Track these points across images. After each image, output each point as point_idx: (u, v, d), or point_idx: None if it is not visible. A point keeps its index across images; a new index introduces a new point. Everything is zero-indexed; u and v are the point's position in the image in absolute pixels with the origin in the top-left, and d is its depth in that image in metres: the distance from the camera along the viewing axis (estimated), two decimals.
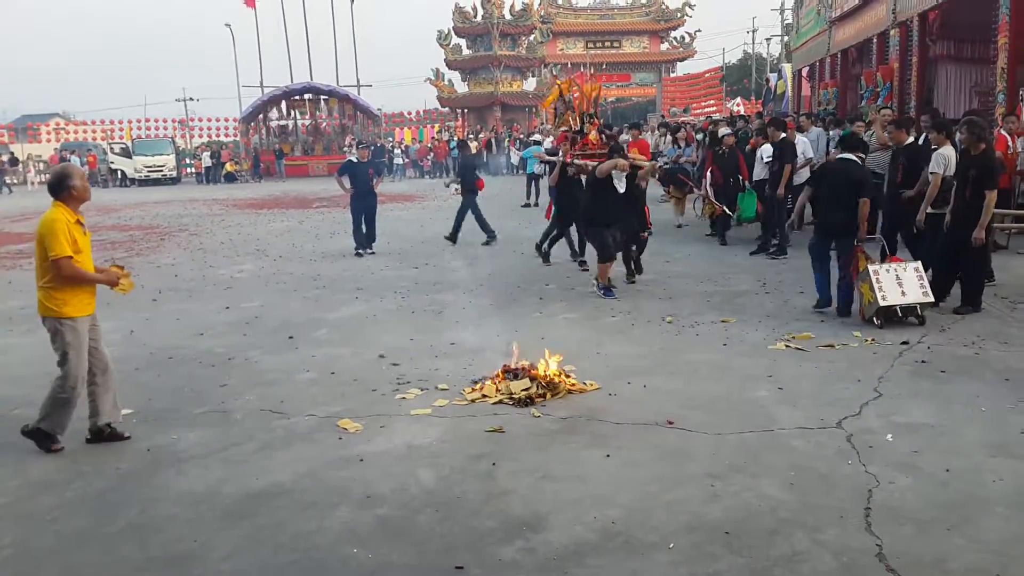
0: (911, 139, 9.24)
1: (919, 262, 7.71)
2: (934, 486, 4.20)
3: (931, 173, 8.41)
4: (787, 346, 6.81)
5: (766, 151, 12.34)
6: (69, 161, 35.56)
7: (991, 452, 4.60)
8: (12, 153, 42.94)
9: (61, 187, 5.17)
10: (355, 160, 13.56)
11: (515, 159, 32.49)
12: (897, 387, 5.71)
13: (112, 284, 5.35)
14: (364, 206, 13.12)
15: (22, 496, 4.54)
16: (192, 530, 4.05)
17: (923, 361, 6.27)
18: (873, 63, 20.81)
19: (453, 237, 13.58)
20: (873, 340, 6.85)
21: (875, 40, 20.75)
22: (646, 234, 10.01)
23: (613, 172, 8.86)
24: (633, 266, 9.84)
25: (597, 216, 9.04)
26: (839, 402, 5.43)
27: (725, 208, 11.98)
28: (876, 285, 7.27)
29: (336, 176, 13.87)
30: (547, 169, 15.29)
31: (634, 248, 9.89)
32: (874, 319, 7.34)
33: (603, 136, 11.14)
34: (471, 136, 40.42)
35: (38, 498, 4.50)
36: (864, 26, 21.55)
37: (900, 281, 7.34)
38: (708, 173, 12.36)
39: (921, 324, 7.30)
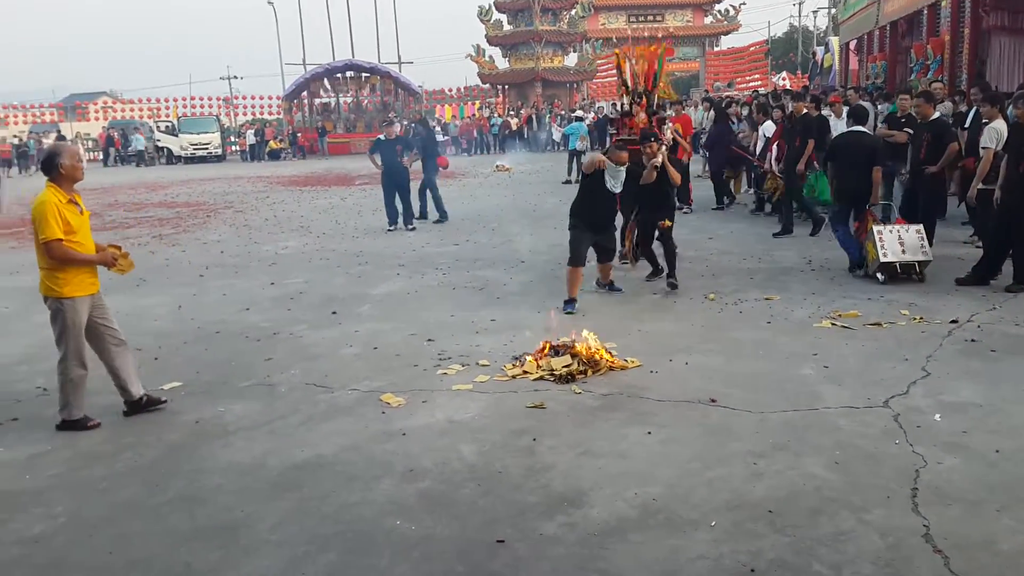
0: (937, 114, 9.20)
1: (921, 224, 8.34)
2: (983, 467, 4.12)
3: (982, 148, 8.23)
4: (833, 324, 6.71)
5: (767, 128, 12.16)
6: (66, 141, 36.20)
7: None
8: (60, 131, 43.78)
9: (51, 166, 5.14)
10: (383, 138, 13.64)
11: (557, 136, 32.29)
12: (946, 366, 5.60)
13: (109, 264, 5.35)
14: (394, 183, 13.25)
15: (73, 467, 4.66)
16: (239, 501, 4.13)
17: (973, 340, 6.14)
18: (924, 35, 20.24)
19: (418, 216, 13.99)
20: (921, 319, 6.73)
21: (926, 11, 20.17)
22: (667, 223, 8.27)
23: (606, 169, 7.69)
24: (666, 269, 8.42)
25: (579, 216, 7.84)
26: (886, 381, 5.35)
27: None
28: (879, 243, 8.02)
29: (368, 154, 13.98)
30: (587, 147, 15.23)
31: (659, 244, 8.49)
32: (877, 274, 8.06)
33: (651, 119, 9.72)
34: (511, 112, 40.28)
35: (89, 469, 4.62)
36: None
37: (902, 240, 8.07)
38: (774, 147, 11.84)
39: (921, 281, 8.01)
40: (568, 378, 5.64)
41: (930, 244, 8.33)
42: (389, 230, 13.07)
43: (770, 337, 6.48)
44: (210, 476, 4.44)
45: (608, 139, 10.78)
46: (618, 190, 7.84)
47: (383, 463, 4.48)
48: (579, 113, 27.48)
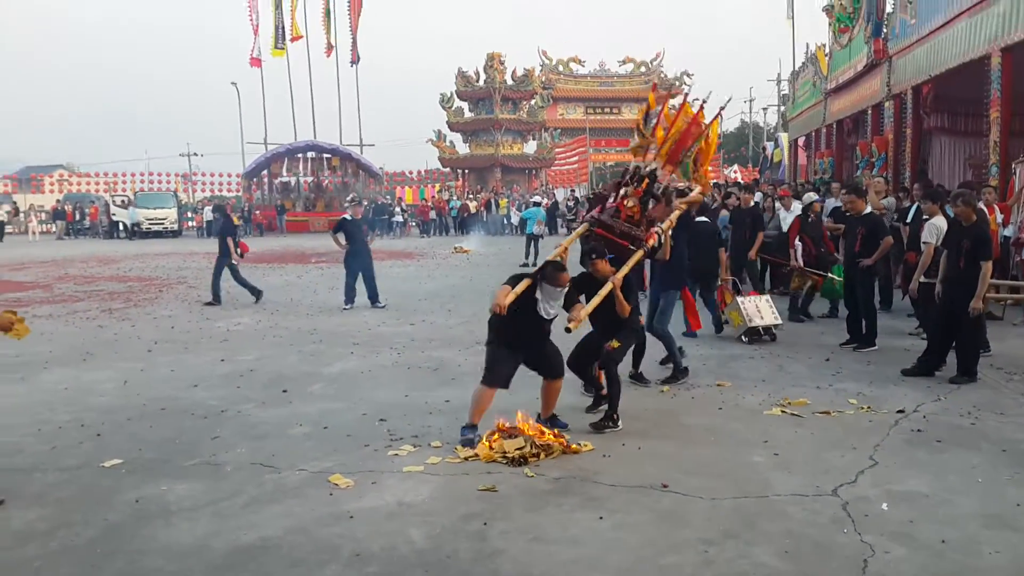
0: (868, 209, 9.73)
1: (768, 296, 10.49)
2: (930, 557, 4.15)
3: (924, 243, 8.54)
4: (783, 411, 6.79)
5: (785, 219, 12.51)
6: (19, 213, 35.87)
7: (987, 523, 4.55)
8: (15, 203, 43.28)
9: None
10: (349, 217, 13.71)
11: (515, 219, 32.74)
12: (893, 455, 5.68)
13: (6, 329, 5.26)
14: (360, 263, 13.28)
15: (4, 546, 4.46)
16: None
17: (919, 430, 6.25)
18: (868, 134, 21.14)
19: (216, 299, 14.00)
20: (869, 408, 6.84)
21: (870, 112, 21.12)
22: (614, 344, 6.58)
23: (540, 292, 6.04)
24: (600, 403, 6.85)
25: (498, 332, 6.22)
26: (835, 469, 5.40)
27: (829, 274, 11.17)
28: (744, 312, 9.74)
29: (331, 233, 14.01)
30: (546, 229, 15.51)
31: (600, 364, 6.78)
32: (742, 337, 9.76)
33: (643, 206, 7.16)
34: (470, 196, 40.81)
35: (21, 548, 4.43)
36: (859, 98, 21.97)
37: (759, 308, 9.88)
38: (796, 242, 11.52)
39: (773, 341, 9.74)
40: (521, 461, 5.60)
41: (874, 335, 9.31)
42: (345, 308, 13.01)
43: (722, 423, 6.53)
44: (150, 558, 4.29)
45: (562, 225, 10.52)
46: (553, 315, 6.17)
47: (330, 547, 4.37)
48: (536, 198, 27.99)
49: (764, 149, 42.07)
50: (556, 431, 6.01)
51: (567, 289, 6.13)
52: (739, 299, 9.91)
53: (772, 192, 15.50)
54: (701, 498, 4.94)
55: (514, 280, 6.14)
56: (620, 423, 6.38)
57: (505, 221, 36.11)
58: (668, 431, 6.35)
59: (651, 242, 6.99)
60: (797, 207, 12.29)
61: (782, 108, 47.57)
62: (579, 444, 5.92)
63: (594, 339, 6.78)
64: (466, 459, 5.71)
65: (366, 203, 35.77)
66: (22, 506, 5.01)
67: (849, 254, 9.68)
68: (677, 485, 5.14)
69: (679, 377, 7.93)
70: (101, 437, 6.38)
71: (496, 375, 6.15)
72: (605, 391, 6.69)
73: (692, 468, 5.46)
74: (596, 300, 6.34)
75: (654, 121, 7.68)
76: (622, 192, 7.27)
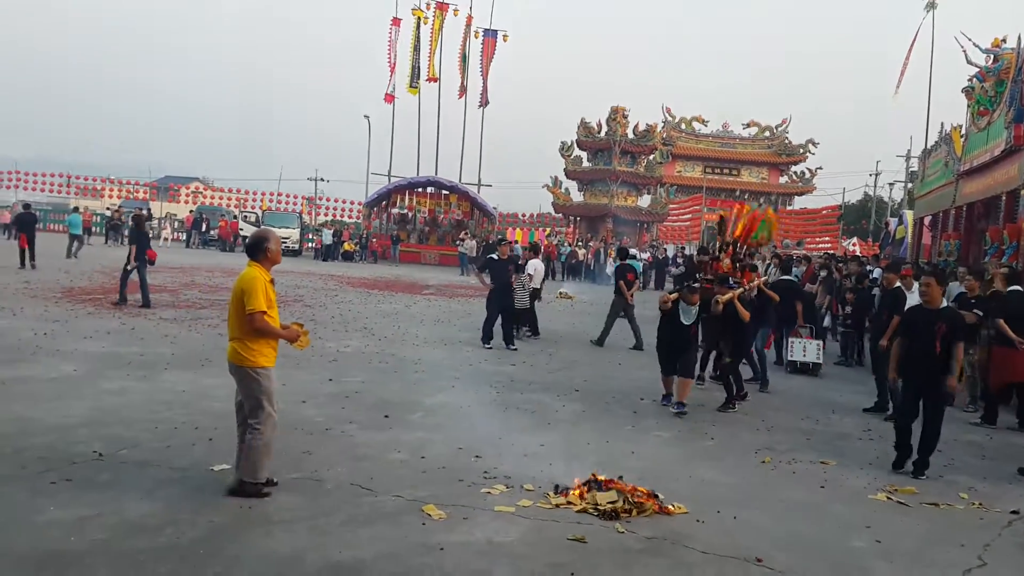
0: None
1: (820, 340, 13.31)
2: None
3: None
4: (888, 498, 6.53)
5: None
6: (152, 219, 38.01)
7: None
8: (149, 208, 45.92)
9: (258, 249, 5.64)
10: (496, 257, 14.02)
11: (609, 270, 32.60)
12: (1003, 558, 5.38)
13: (292, 340, 5.73)
14: (501, 302, 13.52)
15: (117, 535, 4.74)
16: None
17: None
18: (1000, 220, 20.24)
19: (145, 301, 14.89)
20: (981, 504, 6.51)
21: (1004, 197, 20.24)
22: (728, 360, 10.01)
23: (680, 305, 9.39)
24: (727, 403, 9.73)
25: (661, 339, 9.62)
26: (940, 564, 5.16)
27: None
28: (789, 348, 13.16)
29: (475, 270, 14.38)
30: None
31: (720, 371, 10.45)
32: (786, 367, 13.06)
33: (735, 264, 11.42)
34: (580, 243, 40.92)
35: (132, 539, 4.69)
36: (993, 183, 21.06)
37: (805, 349, 12.91)
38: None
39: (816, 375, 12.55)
40: (612, 515, 5.57)
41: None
42: (487, 347, 13.15)
43: (823, 502, 6.33)
44: (248, 564, 4.47)
45: (690, 279, 12.06)
46: (689, 322, 9.37)
47: (418, 575, 4.45)
48: (633, 251, 27.98)
49: (887, 224, 40.75)
50: (651, 491, 5.95)
51: (696, 307, 9.43)
52: (792, 339, 12.99)
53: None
54: None
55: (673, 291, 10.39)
56: (737, 408, 9.61)
57: (606, 271, 36.02)
58: (766, 504, 6.19)
59: (746, 282, 10.84)
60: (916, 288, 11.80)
61: (909, 185, 46.10)
62: (673, 506, 5.84)
63: (721, 352, 10.31)
64: (557, 506, 5.72)
65: (476, 240, 36.36)
66: (135, 498, 5.31)
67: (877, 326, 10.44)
68: (771, 561, 5.02)
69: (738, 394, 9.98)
70: (213, 441, 6.69)
71: (665, 367, 9.54)
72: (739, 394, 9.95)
73: (788, 545, 5.32)
74: (725, 297, 9.72)
75: (728, 227, 11.82)
76: (719, 256, 11.58)
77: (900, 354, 7.61)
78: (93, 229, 39.57)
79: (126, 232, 37.73)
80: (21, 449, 6.14)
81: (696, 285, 10.02)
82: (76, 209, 34.06)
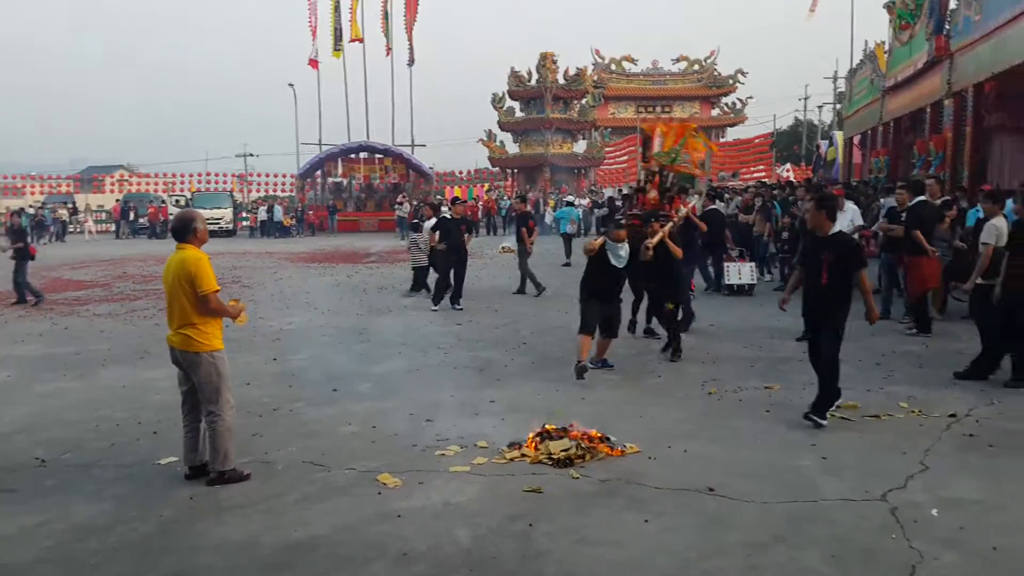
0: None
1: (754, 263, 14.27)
2: (981, 564, 4.08)
3: (982, 243, 8.34)
4: (832, 415, 6.69)
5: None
6: (79, 212, 37.13)
7: None
8: (75, 203, 44.46)
9: (187, 231, 5.53)
10: (448, 216, 13.85)
11: (549, 219, 32.59)
12: (944, 461, 5.58)
13: (236, 317, 5.74)
14: (454, 262, 13.37)
15: (65, 540, 4.64)
16: None
17: (971, 435, 6.13)
18: (926, 133, 20.67)
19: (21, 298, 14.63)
20: (920, 412, 6.72)
21: (928, 110, 20.63)
22: (670, 307, 9.06)
23: (607, 246, 8.35)
24: (669, 346, 9.10)
25: (587, 290, 8.51)
26: (884, 474, 5.32)
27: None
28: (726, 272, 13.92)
29: (429, 232, 14.16)
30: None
31: (662, 321, 9.38)
32: (723, 290, 14.01)
33: (663, 195, 10.19)
34: (518, 196, 40.85)
35: (82, 542, 4.60)
36: (918, 96, 21.46)
37: (740, 272, 13.94)
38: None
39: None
40: (566, 462, 5.63)
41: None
42: (434, 309, 13.06)
43: (769, 427, 6.48)
44: (202, 554, 4.41)
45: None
46: (621, 264, 8.37)
47: (377, 545, 4.45)
48: (569, 198, 27.98)
49: (818, 147, 41.40)
50: (602, 434, 6.01)
51: (625, 243, 8.42)
52: (727, 264, 13.84)
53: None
54: (748, 502, 4.92)
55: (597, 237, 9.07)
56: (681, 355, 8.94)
57: (545, 221, 36.05)
58: (715, 433, 6.31)
59: (674, 212, 9.80)
60: (851, 208, 12.04)
61: (838, 106, 46.79)
62: (625, 446, 5.92)
63: (656, 297, 9.42)
64: (512, 460, 5.75)
65: (415, 203, 36.00)
66: (82, 501, 5.19)
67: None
68: (724, 489, 5.12)
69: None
70: (157, 435, 6.57)
71: (587, 324, 8.31)
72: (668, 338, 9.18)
73: (739, 471, 5.43)
74: (655, 240, 8.77)
75: (655, 143, 10.26)
76: (646, 188, 10.42)
77: (793, 285, 7.30)
78: None
79: (51, 228, 36.69)
80: None
81: (622, 222, 9.05)
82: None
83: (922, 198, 10.46)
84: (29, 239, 15.73)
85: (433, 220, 14.98)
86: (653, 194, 10.18)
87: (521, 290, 15.00)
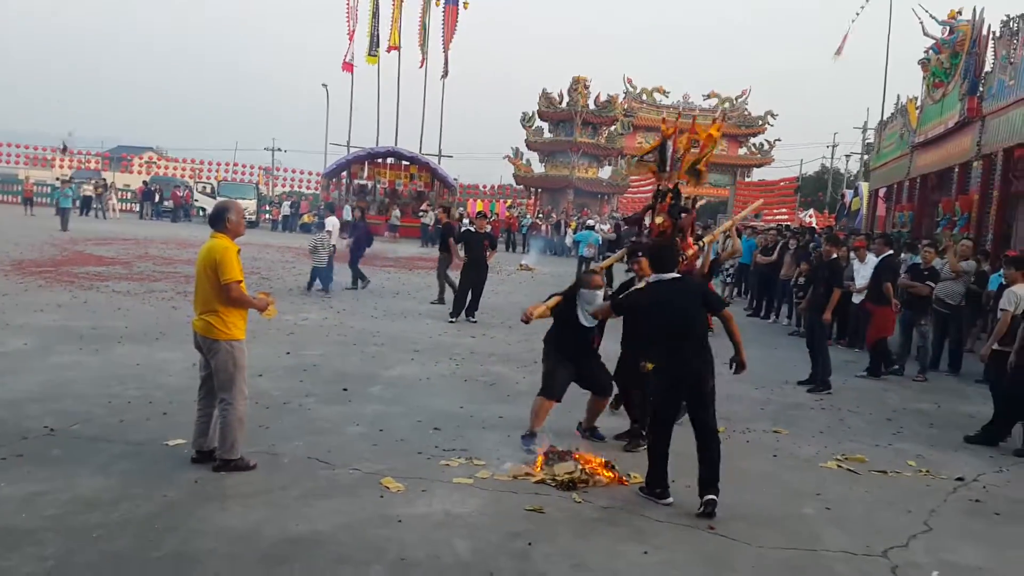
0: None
1: None
2: None
3: (1001, 309, 8.32)
4: (839, 466, 6.68)
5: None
6: (107, 189, 37.70)
7: None
8: (104, 180, 44.85)
9: (219, 219, 5.57)
10: (473, 230, 13.90)
11: (569, 241, 32.61)
12: (948, 523, 5.55)
13: (262, 309, 5.72)
14: (475, 275, 13.42)
15: (70, 511, 4.68)
16: (229, 567, 4.13)
17: (977, 500, 6.09)
18: (953, 192, 20.63)
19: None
20: (928, 472, 6.69)
21: (957, 169, 20.60)
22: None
23: (579, 295, 6.53)
24: (628, 433, 7.06)
25: (553, 345, 6.75)
26: (887, 531, 5.30)
27: None
28: None
29: (451, 243, 14.23)
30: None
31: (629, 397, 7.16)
32: None
33: (674, 220, 7.74)
34: (540, 216, 40.93)
35: (86, 515, 4.64)
36: (947, 155, 21.43)
37: None
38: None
39: None
40: (569, 485, 5.63)
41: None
42: (451, 321, 13.10)
43: (775, 471, 6.46)
44: (204, 538, 4.44)
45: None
46: (591, 325, 6.53)
47: (376, 548, 4.47)
48: (590, 222, 27.97)
49: (843, 196, 41.33)
50: (607, 461, 6.02)
51: (602, 290, 6.63)
52: None
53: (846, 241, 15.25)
54: (748, 544, 4.90)
55: (549, 297, 6.72)
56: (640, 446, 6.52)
57: (565, 243, 36.08)
58: (720, 473, 6.28)
59: (690, 251, 7.72)
60: (872, 259, 12.03)
61: (865, 157, 46.73)
62: (629, 476, 5.92)
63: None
64: (515, 477, 5.76)
65: (437, 211, 36.14)
66: (88, 474, 5.24)
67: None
68: (724, 528, 5.12)
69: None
70: (167, 416, 6.62)
71: (552, 388, 6.56)
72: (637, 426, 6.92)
73: (741, 513, 5.42)
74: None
75: (669, 151, 7.99)
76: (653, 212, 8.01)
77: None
78: (35, 200, 38.43)
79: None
80: None
81: (602, 266, 7.74)
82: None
83: (890, 252, 11.49)
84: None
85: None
86: (661, 219, 7.78)
87: (440, 299, 14.87)
